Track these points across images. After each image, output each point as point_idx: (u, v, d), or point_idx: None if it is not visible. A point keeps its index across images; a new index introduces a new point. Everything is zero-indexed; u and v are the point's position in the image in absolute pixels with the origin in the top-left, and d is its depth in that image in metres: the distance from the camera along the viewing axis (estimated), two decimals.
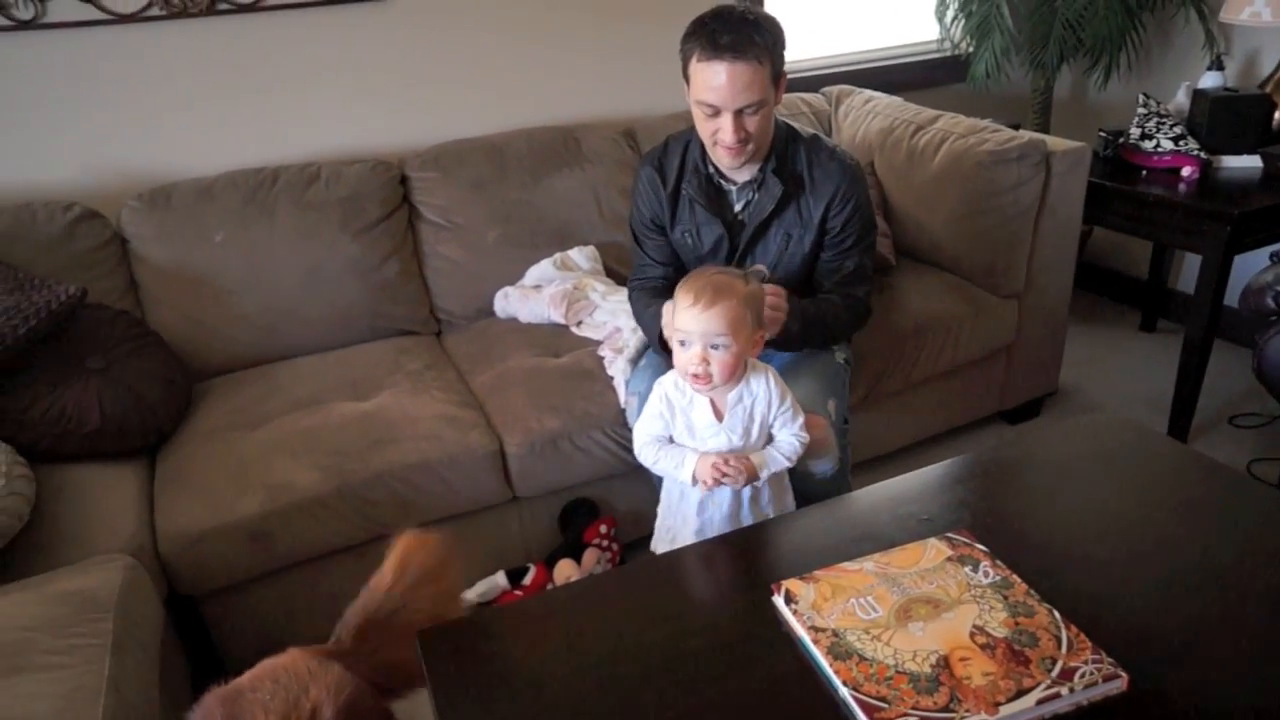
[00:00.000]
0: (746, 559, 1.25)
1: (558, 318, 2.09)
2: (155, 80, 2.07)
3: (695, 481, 1.37)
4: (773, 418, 1.41)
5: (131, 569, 1.34)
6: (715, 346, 1.31)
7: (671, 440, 1.43)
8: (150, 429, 1.74)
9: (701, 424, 1.39)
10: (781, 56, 1.56)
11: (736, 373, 1.36)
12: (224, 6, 2.07)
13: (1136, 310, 3.02)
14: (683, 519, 1.45)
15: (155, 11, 2.01)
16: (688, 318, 1.31)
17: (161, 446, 1.78)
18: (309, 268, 2.06)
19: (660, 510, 1.54)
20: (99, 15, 1.97)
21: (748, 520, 1.45)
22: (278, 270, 2.04)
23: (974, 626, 1.03)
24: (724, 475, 1.35)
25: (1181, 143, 2.32)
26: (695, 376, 1.33)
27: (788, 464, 1.42)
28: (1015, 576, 1.10)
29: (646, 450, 1.42)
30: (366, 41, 2.24)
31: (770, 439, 1.43)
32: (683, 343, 1.33)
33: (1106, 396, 2.58)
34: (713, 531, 1.42)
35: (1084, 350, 2.79)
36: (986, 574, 1.11)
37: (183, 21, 2.05)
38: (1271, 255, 2.48)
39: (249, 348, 2.05)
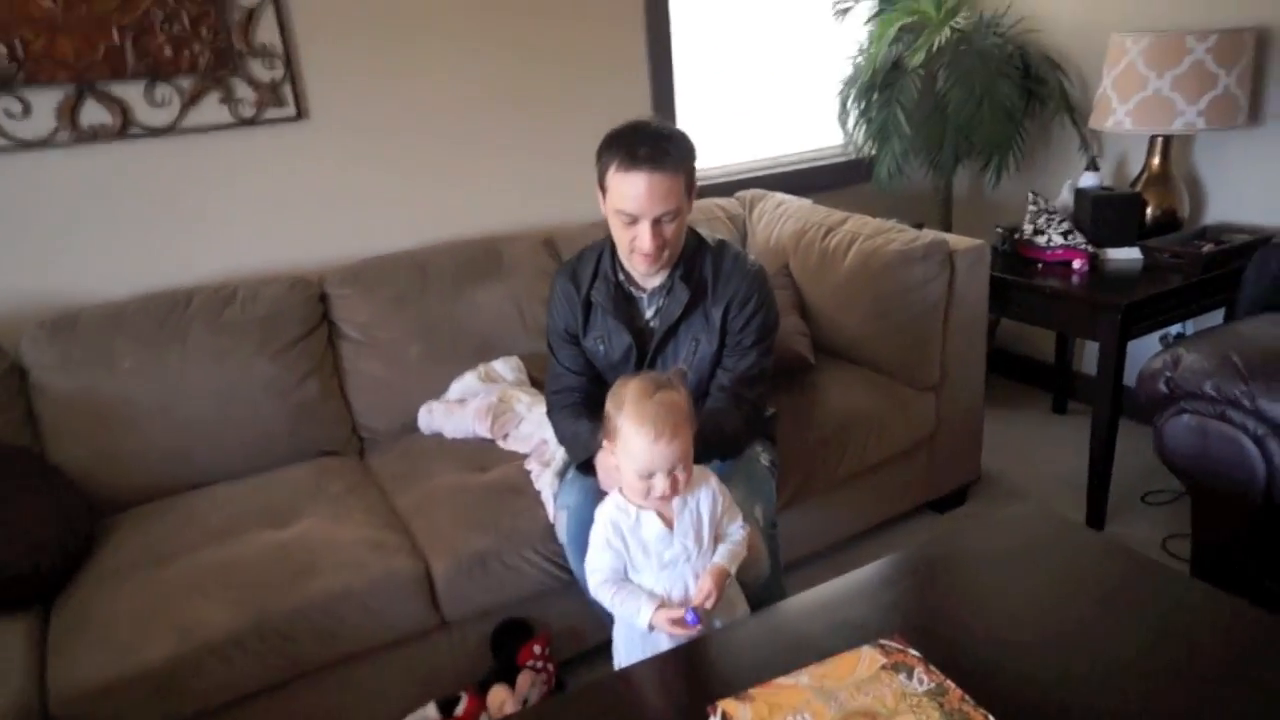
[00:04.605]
0: (682, 678, 1.23)
1: (483, 432, 2.07)
2: (62, 205, 2.03)
3: (652, 628, 1.33)
4: (720, 513, 1.41)
5: None
6: (680, 468, 1.32)
7: (626, 570, 1.39)
8: (45, 574, 1.63)
9: (653, 538, 1.36)
10: (693, 168, 1.63)
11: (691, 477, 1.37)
12: (136, 131, 2.06)
13: (1047, 393, 3.15)
14: (654, 649, 1.39)
15: (63, 137, 1.99)
16: (652, 455, 1.29)
17: (59, 592, 1.66)
18: (224, 391, 2.00)
19: (620, 644, 1.49)
20: (1, 141, 1.93)
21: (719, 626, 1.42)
22: (192, 395, 1.98)
23: None
24: (715, 600, 1.34)
25: (1070, 237, 2.47)
26: (663, 498, 1.33)
27: (744, 552, 1.42)
28: (949, 682, 1.10)
29: (603, 591, 1.38)
30: (283, 160, 2.25)
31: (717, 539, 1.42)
32: (650, 475, 1.31)
33: (1027, 480, 2.66)
34: None
35: (1002, 434, 2.87)
36: (921, 681, 1.11)
37: (92, 146, 2.03)
38: (1161, 338, 2.64)
39: (162, 477, 1.96)
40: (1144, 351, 2.27)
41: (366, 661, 1.70)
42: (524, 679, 1.79)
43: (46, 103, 1.95)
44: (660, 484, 1.31)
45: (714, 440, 1.65)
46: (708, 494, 1.39)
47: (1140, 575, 1.33)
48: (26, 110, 1.94)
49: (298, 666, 1.61)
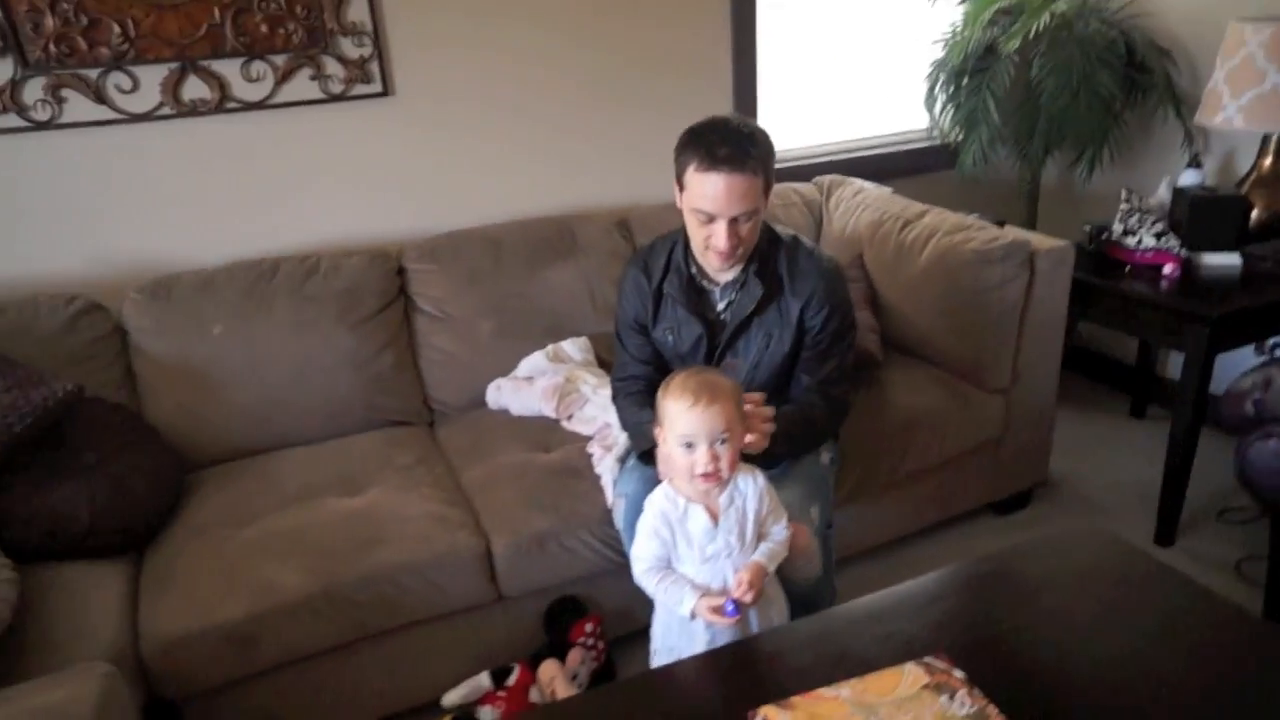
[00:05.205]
0: (727, 680, 1.26)
1: (549, 411, 2.12)
2: (163, 175, 2.14)
3: (694, 616, 1.37)
4: (765, 512, 1.43)
5: (108, 678, 1.33)
6: (721, 442, 1.34)
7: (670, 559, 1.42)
8: (139, 526, 1.75)
9: (698, 531, 1.39)
10: (772, 168, 1.62)
11: (735, 466, 1.39)
12: (232, 105, 2.14)
13: (1126, 396, 3.03)
14: (690, 637, 1.44)
15: (166, 111, 2.08)
16: (690, 419, 1.33)
17: (151, 541, 1.79)
18: (305, 359, 2.09)
19: (657, 629, 1.52)
20: (112, 115, 2.04)
21: (755, 626, 1.45)
22: (274, 362, 2.07)
23: None
24: (755, 595, 1.35)
25: (1163, 239, 2.36)
26: (706, 476, 1.34)
27: (785, 552, 1.44)
28: (992, 707, 1.10)
29: (647, 578, 1.41)
30: (370, 135, 2.31)
31: (760, 537, 1.44)
32: (689, 445, 1.34)
33: (1097, 487, 2.58)
34: (723, 641, 1.41)
35: (1074, 436, 2.78)
36: (963, 704, 1.11)
37: (192, 120, 2.12)
38: (1256, 348, 2.51)
39: (244, 438, 2.07)
40: (1235, 361, 2.16)
41: (426, 629, 1.78)
42: (574, 655, 1.85)
43: (152, 78, 2.05)
44: (702, 455, 1.32)
45: (800, 429, 1.67)
46: (754, 492, 1.41)
47: (1203, 609, 1.29)
48: (135, 86, 2.04)
49: (362, 630, 1.70)
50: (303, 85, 2.20)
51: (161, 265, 2.15)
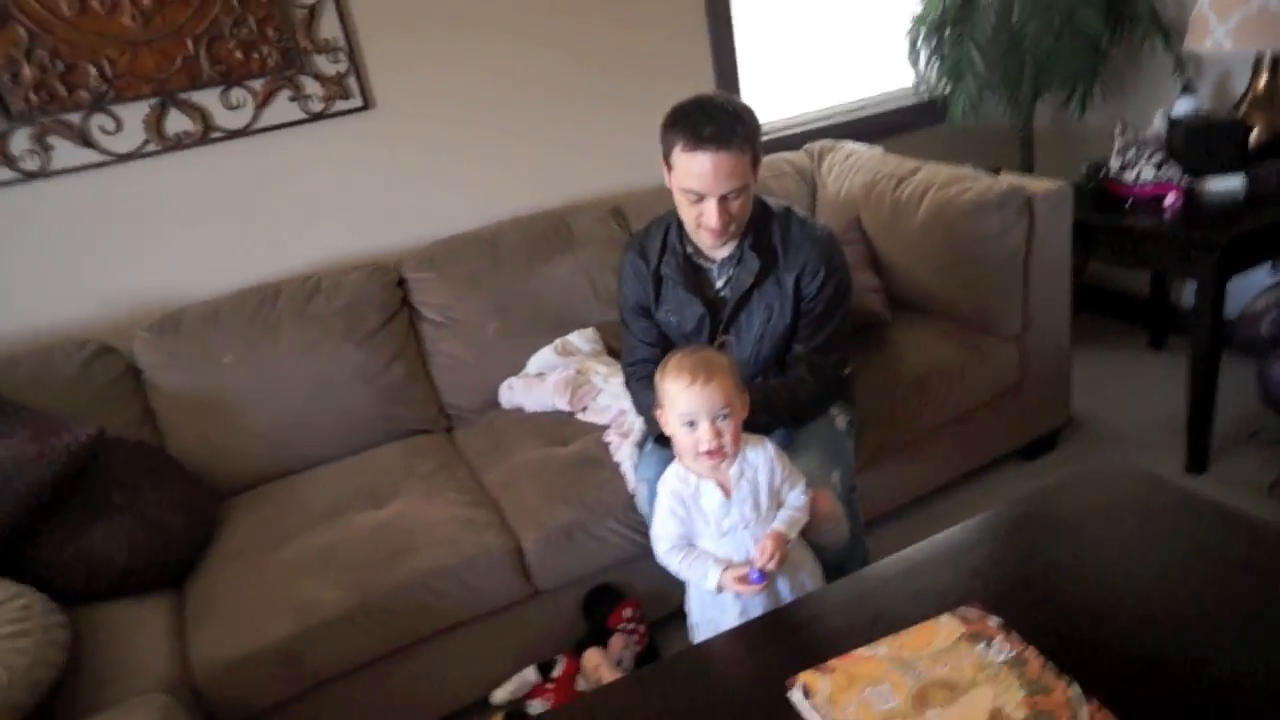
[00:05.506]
0: (766, 650, 1.26)
1: (562, 405, 2.12)
2: (156, 211, 2.15)
3: (720, 589, 1.38)
4: (779, 481, 1.43)
5: (166, 710, 1.36)
6: (722, 418, 1.35)
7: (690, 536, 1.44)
8: (176, 559, 1.78)
9: (712, 507, 1.40)
10: (759, 142, 1.61)
11: (740, 440, 1.39)
12: (216, 134, 2.15)
13: (1143, 328, 3.01)
14: (723, 608, 1.46)
15: (151, 147, 2.10)
16: (689, 397, 1.34)
17: (189, 573, 1.81)
18: (317, 379, 2.11)
19: (692, 603, 1.54)
20: (100, 158, 2.06)
21: (784, 591, 1.46)
22: (286, 385, 2.09)
23: (992, 709, 1.03)
24: (777, 562, 1.36)
25: (1163, 170, 2.33)
26: (710, 453, 1.36)
27: (804, 517, 1.44)
28: (1030, 650, 1.10)
29: (670, 557, 1.43)
30: (356, 150, 2.32)
31: (777, 505, 1.45)
32: (691, 424, 1.35)
33: (1122, 421, 2.57)
34: (755, 610, 1.42)
35: (1095, 374, 2.77)
36: (1000, 650, 1.11)
37: (178, 153, 2.13)
38: (1271, 267, 2.47)
39: (266, 463, 2.09)
40: (1251, 282, 2.12)
41: (467, 631, 1.80)
42: (616, 641, 1.87)
43: (134, 116, 2.06)
44: (705, 432, 1.34)
45: (786, 405, 1.67)
46: (765, 462, 1.42)
47: (1238, 534, 1.28)
48: (118, 126, 2.05)
49: (403, 638, 1.72)
50: (283, 107, 2.20)
51: (166, 300, 2.16)
